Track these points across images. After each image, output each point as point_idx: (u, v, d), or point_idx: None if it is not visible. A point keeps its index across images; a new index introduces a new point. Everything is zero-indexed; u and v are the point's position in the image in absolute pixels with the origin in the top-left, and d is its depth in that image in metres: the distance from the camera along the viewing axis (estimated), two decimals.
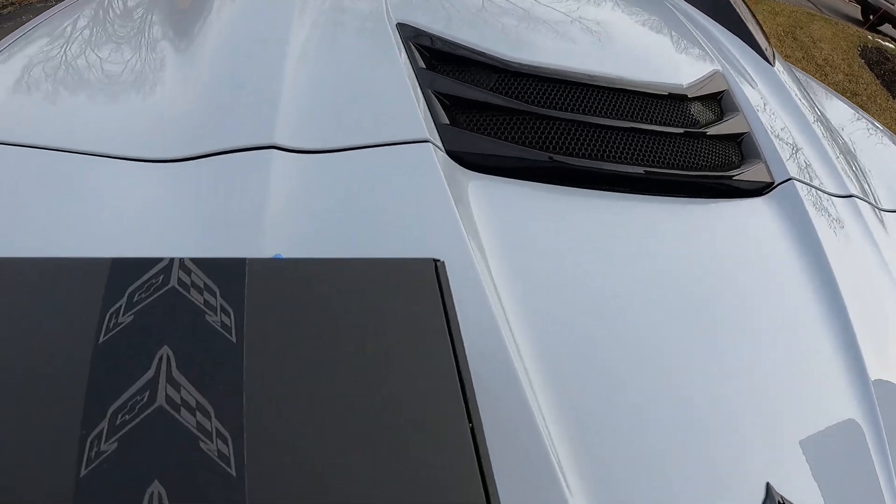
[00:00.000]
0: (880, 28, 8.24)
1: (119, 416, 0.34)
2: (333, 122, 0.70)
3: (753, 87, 1.07)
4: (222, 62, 0.81)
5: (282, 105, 0.71)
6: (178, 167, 0.66)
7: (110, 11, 1.08)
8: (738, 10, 1.48)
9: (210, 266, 0.41)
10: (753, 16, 1.50)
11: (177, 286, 0.40)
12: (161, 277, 0.40)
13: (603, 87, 0.83)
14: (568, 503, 0.47)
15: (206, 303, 0.39)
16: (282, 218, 0.60)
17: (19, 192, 0.63)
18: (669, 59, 1.01)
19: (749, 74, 1.13)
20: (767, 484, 0.53)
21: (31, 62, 0.87)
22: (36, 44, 0.95)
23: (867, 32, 7.48)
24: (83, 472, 0.32)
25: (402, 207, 0.62)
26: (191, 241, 0.58)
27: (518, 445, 0.48)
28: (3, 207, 0.61)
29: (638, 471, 0.51)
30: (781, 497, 0.52)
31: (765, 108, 1.01)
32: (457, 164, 0.67)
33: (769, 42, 1.39)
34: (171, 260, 0.41)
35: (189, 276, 0.40)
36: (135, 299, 0.38)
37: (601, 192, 0.71)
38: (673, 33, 1.11)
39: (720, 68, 1.04)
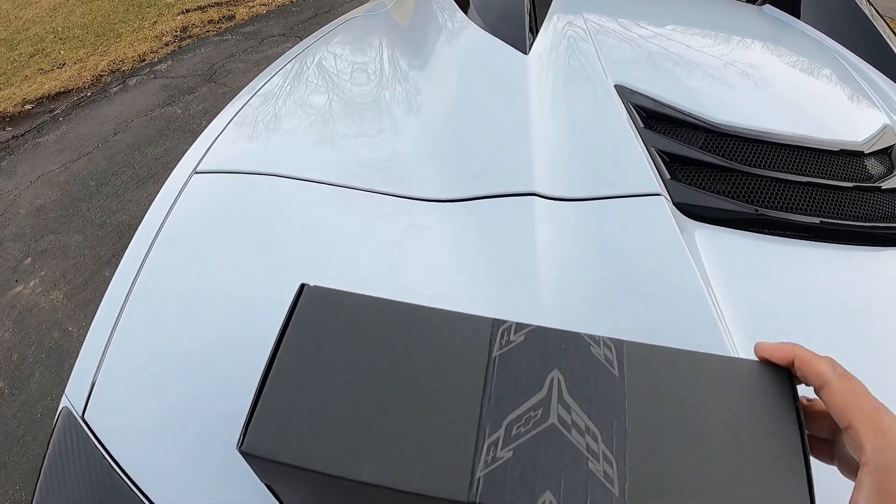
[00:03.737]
0: None
1: (514, 428, 0.37)
2: (578, 174, 0.86)
3: None
4: (471, 114, 1.00)
5: (534, 156, 0.88)
6: (450, 207, 0.83)
7: (340, 56, 1.30)
8: None
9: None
10: None
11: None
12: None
13: (793, 145, 0.96)
14: None
15: (590, 336, 0.43)
16: (546, 256, 0.75)
17: (307, 222, 0.81)
18: (845, 116, 1.11)
19: None
20: None
21: (290, 105, 1.08)
22: (287, 87, 1.16)
23: None
24: (480, 472, 0.36)
25: (644, 254, 0.75)
26: (477, 270, 0.75)
27: None
28: (289, 236, 0.79)
29: None
30: None
31: None
32: (682, 215, 0.82)
33: None
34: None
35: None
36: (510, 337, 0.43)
37: (799, 240, 0.83)
38: (845, 87, 1.20)
39: (889, 121, 1.12)
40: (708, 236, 0.81)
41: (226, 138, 0.99)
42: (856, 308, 0.76)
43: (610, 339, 0.43)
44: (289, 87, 1.16)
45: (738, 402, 0.41)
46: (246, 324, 0.70)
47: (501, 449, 0.36)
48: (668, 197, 0.83)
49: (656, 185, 0.84)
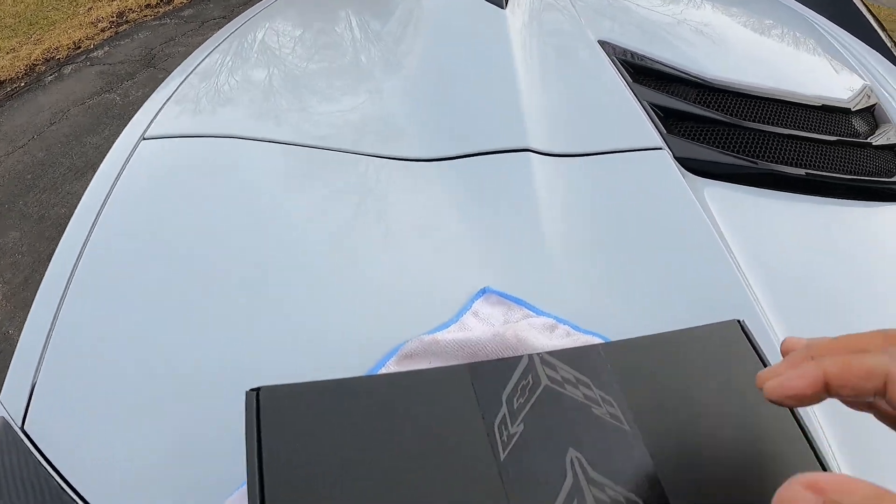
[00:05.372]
0: None
1: None
2: (572, 129, 0.80)
3: None
4: (452, 71, 0.93)
5: (524, 111, 0.81)
6: (439, 166, 0.76)
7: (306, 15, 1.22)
8: (871, 21, 1.54)
9: (570, 357, 0.42)
10: (882, 27, 1.55)
11: (550, 384, 0.40)
12: (530, 377, 0.40)
13: (787, 101, 0.92)
14: None
15: (586, 396, 0.40)
16: (551, 215, 0.69)
17: (288, 185, 0.74)
18: (828, 75, 1.09)
19: (892, 86, 1.19)
20: None
21: (264, 66, 1.00)
22: (256, 48, 1.08)
23: None
24: None
25: (654, 209, 0.70)
26: (476, 235, 0.68)
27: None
28: (276, 200, 0.72)
29: None
30: None
31: None
32: (684, 169, 0.77)
33: None
34: (531, 357, 0.41)
35: (555, 371, 0.41)
36: (514, 406, 0.38)
37: (800, 194, 0.79)
38: (823, 49, 1.19)
39: (868, 82, 1.10)
40: (713, 190, 0.76)
41: (176, 103, 0.90)
42: (865, 261, 0.73)
43: (607, 396, 0.40)
44: (244, 50, 1.07)
45: (718, 370, 0.42)
46: (211, 301, 0.61)
47: None
48: (670, 151, 0.78)
49: (657, 138, 0.78)
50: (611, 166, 0.75)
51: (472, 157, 0.76)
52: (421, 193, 0.72)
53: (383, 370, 0.51)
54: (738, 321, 0.45)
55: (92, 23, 4.46)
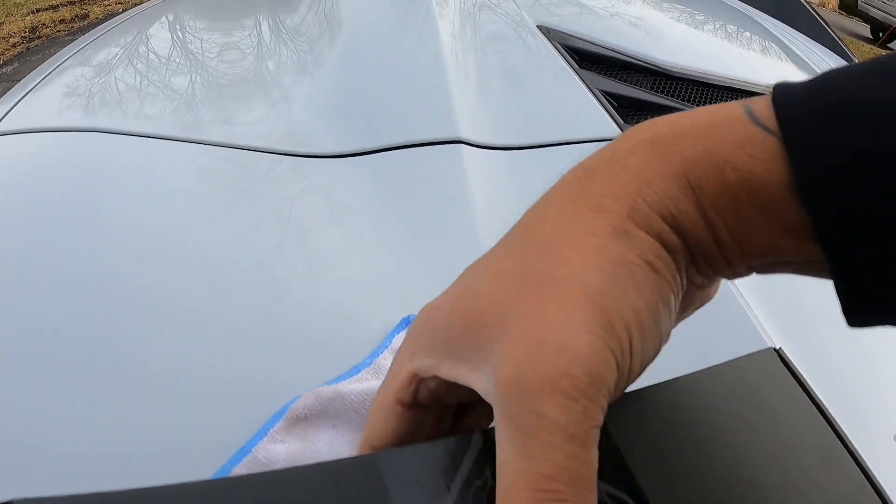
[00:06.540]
0: (890, 45, 8.33)
1: None
2: (514, 119, 0.68)
3: None
4: (371, 60, 0.80)
5: (454, 102, 0.69)
6: (350, 163, 0.62)
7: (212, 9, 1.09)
8: (821, 21, 1.49)
9: None
10: (830, 28, 1.51)
11: None
12: (487, 470, 0.24)
13: (752, 92, 0.83)
14: None
15: None
16: (486, 212, 0.56)
17: (154, 188, 0.60)
18: (785, 69, 1.03)
19: None
20: None
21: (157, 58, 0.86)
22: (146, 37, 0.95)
23: (880, 49, 7.63)
24: None
25: None
26: (392, 236, 0.54)
27: None
28: (182, 204, 0.57)
29: None
30: None
31: None
32: None
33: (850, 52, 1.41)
34: (486, 435, 0.24)
35: None
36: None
37: None
38: (776, 44, 1.13)
39: None
40: None
41: (34, 98, 0.75)
42: None
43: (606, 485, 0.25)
44: (120, 44, 0.92)
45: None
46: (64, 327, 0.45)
47: None
48: None
49: (615, 129, 0.67)
50: (564, 160, 0.62)
51: (389, 152, 0.63)
52: (325, 197, 0.58)
53: (266, 441, 0.36)
54: (776, 349, 0.33)
55: (3, 38, 4.21)
